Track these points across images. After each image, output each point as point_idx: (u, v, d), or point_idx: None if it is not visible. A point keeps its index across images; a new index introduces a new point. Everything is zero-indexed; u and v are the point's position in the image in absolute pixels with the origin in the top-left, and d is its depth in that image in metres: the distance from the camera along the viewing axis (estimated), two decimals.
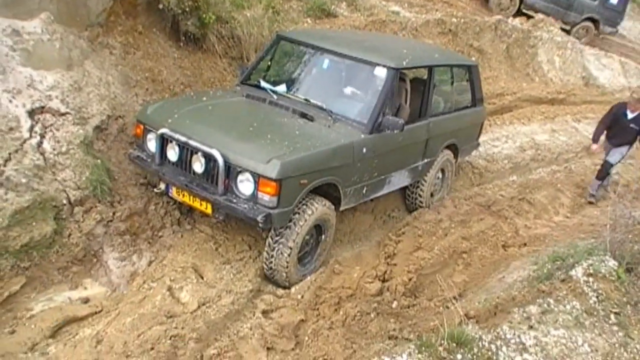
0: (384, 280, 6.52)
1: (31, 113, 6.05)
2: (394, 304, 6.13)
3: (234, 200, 5.73)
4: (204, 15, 8.32)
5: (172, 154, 6.07)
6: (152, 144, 6.25)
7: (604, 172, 9.73)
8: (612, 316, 5.02)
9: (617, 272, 5.46)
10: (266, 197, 5.60)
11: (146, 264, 6.24)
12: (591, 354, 4.52)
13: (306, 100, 6.86)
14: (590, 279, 5.32)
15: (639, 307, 5.28)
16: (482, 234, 7.59)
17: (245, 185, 5.70)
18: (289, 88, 7.21)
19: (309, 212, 6.05)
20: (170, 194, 6.28)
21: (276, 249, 6.02)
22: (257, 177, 5.58)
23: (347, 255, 6.94)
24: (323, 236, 6.56)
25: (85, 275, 5.96)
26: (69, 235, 5.87)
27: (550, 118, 12.87)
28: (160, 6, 7.82)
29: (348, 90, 7.30)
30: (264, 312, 5.80)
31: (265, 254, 6.13)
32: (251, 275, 6.16)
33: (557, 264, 5.80)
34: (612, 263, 5.54)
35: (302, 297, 6.07)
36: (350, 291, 6.24)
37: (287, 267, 6.05)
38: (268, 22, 9.53)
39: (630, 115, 9.29)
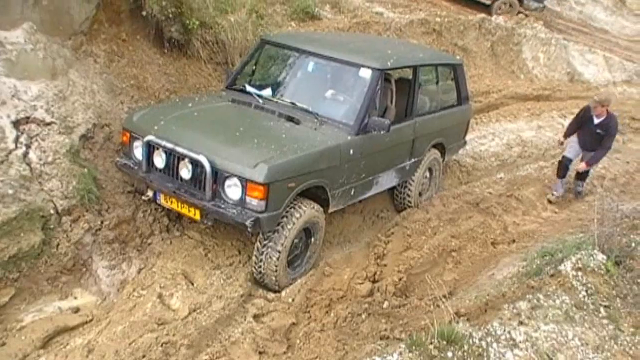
0: (374, 281, 6.53)
1: (16, 123, 6.03)
2: (385, 304, 6.14)
3: (222, 206, 5.73)
4: (188, 21, 8.30)
5: (159, 160, 6.05)
6: (138, 151, 6.23)
7: (583, 175, 9.43)
8: (601, 309, 5.04)
9: (606, 266, 5.48)
10: (254, 202, 5.60)
11: (136, 271, 6.23)
12: (582, 348, 4.54)
13: (292, 103, 6.88)
14: (579, 273, 5.34)
15: (629, 300, 5.30)
16: (471, 231, 7.62)
17: (233, 190, 5.70)
18: (274, 92, 7.24)
19: (297, 215, 6.05)
20: (158, 201, 6.26)
21: (265, 252, 6.02)
22: (244, 182, 5.58)
23: (337, 257, 6.94)
24: (312, 239, 6.56)
25: (75, 284, 5.95)
26: (58, 245, 5.86)
27: (536, 114, 12.92)
28: (144, 13, 7.80)
29: (333, 92, 7.29)
30: (255, 317, 5.80)
31: (254, 257, 6.13)
32: (241, 280, 6.16)
33: (546, 259, 5.83)
34: (601, 257, 5.57)
35: (293, 300, 6.07)
36: (340, 293, 6.25)
37: (276, 270, 6.05)
38: (252, 26, 9.51)
39: (596, 121, 8.89)
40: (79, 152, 6.48)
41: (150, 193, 6.28)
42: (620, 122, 12.88)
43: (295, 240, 6.30)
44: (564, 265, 5.41)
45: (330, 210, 6.68)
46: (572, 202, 9.26)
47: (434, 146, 8.41)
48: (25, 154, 5.99)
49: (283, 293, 6.18)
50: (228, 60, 9.12)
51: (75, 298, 5.88)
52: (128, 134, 6.38)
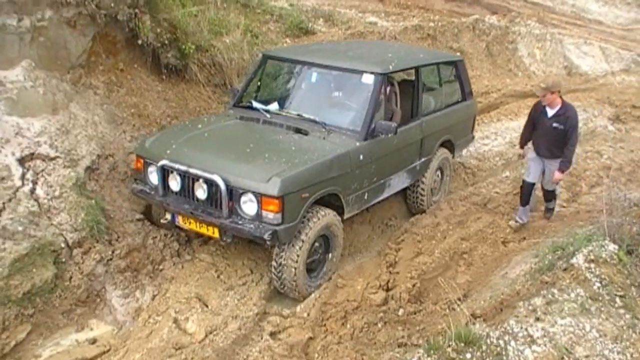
0: (387, 289, 6.53)
1: (21, 161, 6.08)
2: (400, 312, 6.14)
3: (240, 222, 5.85)
4: (184, 46, 8.37)
5: (174, 183, 6.18)
6: (153, 177, 6.36)
7: (551, 195, 8.07)
8: (617, 299, 5.01)
9: (618, 255, 5.45)
10: (270, 215, 5.72)
11: (150, 298, 6.24)
12: (600, 339, 4.52)
13: (299, 115, 7.00)
14: (592, 265, 5.31)
15: None
16: (481, 232, 7.62)
17: (248, 205, 5.82)
18: (280, 105, 7.37)
19: (312, 223, 6.14)
20: (177, 223, 6.37)
21: (283, 261, 6.09)
22: (259, 197, 5.71)
23: (349, 268, 6.94)
24: (331, 246, 6.67)
25: (90, 316, 5.97)
26: (70, 277, 5.88)
27: None
28: (140, 41, 7.86)
29: (338, 100, 7.49)
30: (272, 334, 5.81)
31: (273, 267, 6.22)
32: (255, 299, 6.17)
33: (557, 254, 5.80)
34: (612, 247, 5.54)
35: (308, 314, 6.07)
36: (355, 304, 6.24)
37: (295, 279, 6.12)
38: (247, 46, 9.58)
39: (550, 112, 7.37)
40: (85, 184, 6.52)
41: (168, 216, 6.39)
42: (622, 112, 12.98)
43: (314, 248, 6.39)
44: (576, 259, 5.38)
45: (346, 216, 6.75)
46: (580, 195, 9.19)
47: (443, 144, 8.53)
48: (33, 190, 6.03)
49: (298, 308, 6.19)
50: (226, 82, 9.18)
51: (92, 329, 5.89)
52: (142, 161, 6.50)
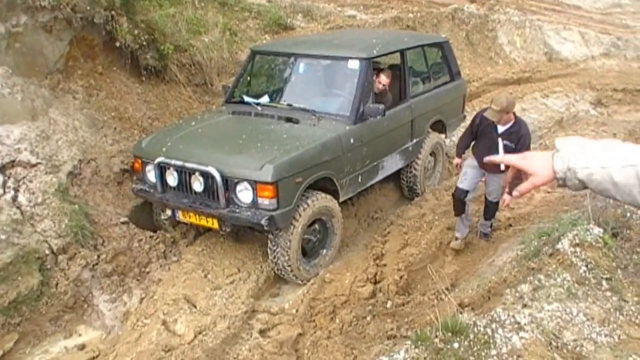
0: (375, 282, 6.53)
1: (2, 169, 6.06)
2: (389, 304, 6.14)
3: (237, 211, 6.04)
4: (162, 47, 8.34)
5: (172, 179, 6.37)
6: (151, 175, 6.55)
7: (491, 210, 7.20)
8: (603, 282, 5.03)
9: (603, 239, 5.47)
10: (266, 201, 5.92)
11: (137, 301, 6.21)
12: (587, 323, 4.52)
13: (289, 105, 7.26)
14: (578, 249, 5.32)
15: (630, 270, 5.29)
16: None
17: (244, 194, 6.00)
18: (271, 97, 7.59)
19: (302, 208, 6.30)
20: (177, 218, 6.58)
21: (276, 247, 6.30)
22: (254, 184, 5.90)
23: (337, 262, 6.93)
24: (328, 230, 6.86)
25: (78, 322, 5.95)
26: (57, 284, 5.86)
27: (518, 97, 12.90)
28: (117, 44, 7.84)
29: (327, 87, 7.74)
30: (261, 332, 5.80)
31: (269, 253, 6.41)
32: (243, 297, 6.15)
33: (543, 239, 5.82)
34: (597, 230, 5.55)
35: (297, 311, 6.07)
36: (343, 298, 6.24)
37: (288, 262, 6.30)
38: (227, 44, 9.57)
39: (501, 129, 6.61)
40: (68, 189, 6.50)
41: (168, 212, 6.61)
42: (603, 95, 13.03)
43: (311, 232, 6.65)
44: (562, 244, 5.39)
45: (341, 199, 6.92)
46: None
47: (435, 126, 8.80)
48: (15, 198, 6.00)
49: (286, 305, 6.19)
50: (207, 81, 9.17)
51: (80, 335, 5.87)
52: (139, 160, 6.70)
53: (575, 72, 15.16)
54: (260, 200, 5.92)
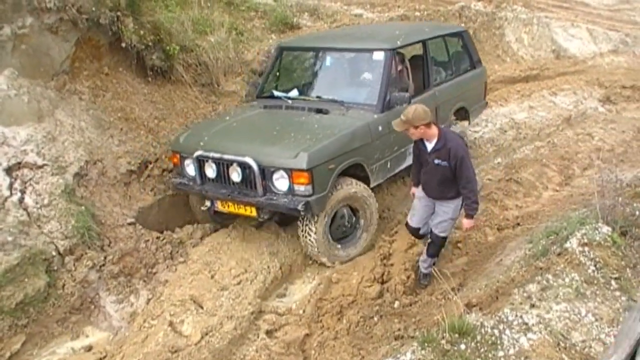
0: (382, 282, 6.49)
1: (8, 170, 6.06)
2: (396, 304, 6.12)
3: (274, 198, 6.37)
4: (168, 47, 8.32)
5: (210, 171, 6.69)
6: (190, 168, 6.88)
7: (435, 247, 6.36)
8: (612, 282, 4.99)
9: (612, 237, 5.42)
10: (302, 188, 6.23)
11: (144, 302, 6.22)
12: (596, 323, 4.50)
13: (318, 97, 7.61)
14: (586, 249, 5.28)
15: (639, 269, 5.25)
16: (474, 220, 7.57)
17: (281, 182, 6.33)
18: (300, 91, 7.98)
19: (330, 194, 6.53)
20: (216, 209, 6.88)
21: (305, 232, 6.60)
22: (290, 172, 6.23)
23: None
24: (359, 216, 7.11)
25: (85, 323, 5.97)
26: (63, 285, 5.87)
27: (526, 95, 12.88)
28: (123, 44, 7.81)
29: (353, 79, 8.08)
30: (268, 332, 5.81)
31: (300, 236, 6.72)
32: (250, 298, 6.15)
33: (551, 238, 5.77)
34: (606, 229, 5.51)
35: (304, 311, 6.07)
36: (350, 298, 6.23)
37: (316, 246, 6.61)
38: (233, 44, 9.54)
39: (429, 147, 5.92)
40: (74, 190, 6.51)
41: (208, 203, 6.91)
42: (612, 92, 12.95)
43: (340, 217, 6.87)
44: (570, 243, 5.36)
45: (372, 184, 7.19)
46: (573, 178, 9.16)
47: (458, 113, 9.08)
48: (21, 200, 6.01)
49: (293, 305, 6.21)
50: (213, 81, 9.14)
51: (87, 336, 5.89)
52: (178, 155, 7.02)
53: (583, 69, 15.07)
54: (296, 187, 6.23)
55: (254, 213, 6.56)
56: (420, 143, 5.99)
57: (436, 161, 5.83)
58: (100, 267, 6.17)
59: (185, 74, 8.79)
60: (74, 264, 6.03)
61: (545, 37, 16.07)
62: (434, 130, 5.80)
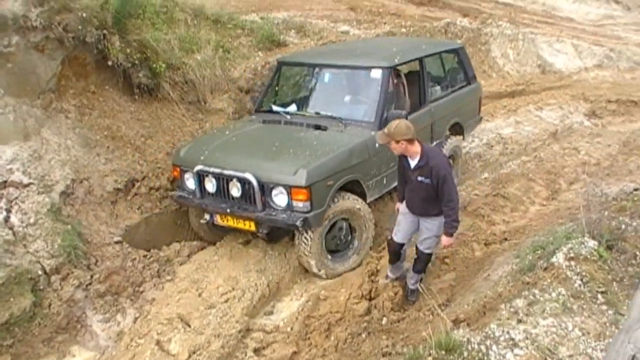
0: (370, 299, 6.47)
1: None
2: (384, 321, 6.09)
3: (273, 213, 6.49)
4: (154, 65, 8.33)
5: (210, 186, 6.79)
6: (190, 182, 7.00)
7: (421, 263, 6.41)
8: (599, 296, 5.00)
9: (598, 251, 5.44)
10: (300, 204, 6.35)
11: (131, 321, 6.18)
12: (583, 338, 4.49)
13: (317, 113, 7.69)
14: (572, 263, 5.30)
15: (625, 283, 5.26)
16: (462, 235, 7.56)
17: (280, 197, 6.45)
18: (299, 106, 8.07)
19: (330, 206, 6.67)
20: (215, 222, 6.93)
21: (299, 244, 6.70)
22: (289, 188, 6.35)
23: (331, 279, 6.92)
24: (354, 229, 7.20)
25: (71, 342, 5.92)
26: (49, 305, 5.83)
27: (512, 110, 12.96)
28: (110, 62, 7.81)
29: (351, 95, 8.16)
30: (256, 351, 5.79)
31: (295, 248, 6.85)
32: (238, 316, 6.12)
33: (538, 253, 5.78)
34: (592, 243, 5.52)
35: (292, 329, 6.05)
36: (338, 315, 6.21)
37: (311, 259, 6.72)
38: (219, 61, 9.53)
39: (412, 163, 5.90)
40: (61, 209, 6.48)
41: (207, 216, 6.97)
42: (597, 107, 13.03)
43: (336, 230, 7.00)
44: (556, 257, 5.37)
45: (368, 200, 7.30)
46: (559, 192, 9.18)
47: (453, 128, 9.21)
48: (7, 219, 5.98)
49: (281, 323, 6.18)
50: (200, 99, 9.14)
51: (74, 356, 5.85)
52: (178, 169, 7.13)
53: (568, 84, 15.17)
54: (294, 203, 6.35)
55: (253, 227, 6.65)
56: (404, 160, 5.96)
57: (419, 178, 5.81)
58: (87, 286, 6.14)
59: (172, 92, 8.78)
60: (60, 283, 5.99)
61: (530, 53, 16.19)
62: (416, 147, 5.78)
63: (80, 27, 7.26)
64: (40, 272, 5.90)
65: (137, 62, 8.11)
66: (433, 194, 5.80)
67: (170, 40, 8.98)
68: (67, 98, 7.50)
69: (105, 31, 7.63)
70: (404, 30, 14.19)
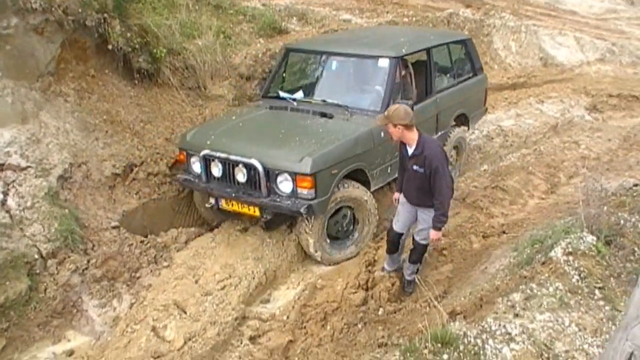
0: (367, 289, 6.48)
1: None
2: (380, 311, 6.10)
3: (278, 200, 6.53)
4: (155, 50, 8.28)
5: (216, 170, 6.85)
6: (196, 166, 7.04)
7: (417, 253, 6.38)
8: (596, 291, 4.99)
9: (597, 247, 5.43)
10: (305, 191, 6.38)
11: (127, 306, 6.16)
12: (579, 333, 4.49)
13: (323, 101, 7.70)
14: (570, 258, 5.29)
15: (622, 279, 5.25)
16: (460, 227, 7.57)
17: (285, 184, 6.50)
18: (305, 93, 8.14)
19: (334, 194, 6.73)
20: (220, 207, 6.99)
21: (301, 231, 6.80)
22: (294, 176, 6.39)
23: (328, 269, 6.93)
24: (357, 217, 7.25)
25: (67, 327, 5.90)
26: (45, 289, 5.82)
27: (513, 103, 12.92)
28: (110, 46, 7.76)
29: (358, 84, 8.22)
30: (251, 339, 5.78)
31: (296, 235, 6.98)
32: (234, 303, 6.12)
33: (536, 247, 5.78)
34: (590, 238, 5.51)
35: (288, 317, 6.05)
36: (335, 304, 6.20)
37: (309, 244, 6.79)
38: (220, 47, 9.48)
39: (410, 151, 5.89)
40: (58, 193, 6.45)
41: (212, 200, 7.02)
42: (598, 101, 12.99)
43: (339, 218, 7.10)
44: (555, 252, 5.36)
45: (372, 189, 7.33)
46: (558, 186, 9.16)
47: (458, 118, 9.27)
48: (4, 202, 5.96)
49: (277, 311, 6.17)
50: (200, 85, 9.09)
51: (69, 341, 5.82)
52: (184, 153, 7.18)
53: (570, 77, 15.11)
54: (299, 190, 6.38)
55: (257, 213, 6.70)
56: (403, 147, 5.96)
57: (414, 167, 5.82)
58: (83, 270, 6.12)
59: (172, 77, 8.74)
60: (57, 268, 5.97)
61: (533, 45, 16.11)
62: (414, 134, 5.74)
63: (80, 10, 7.21)
64: (36, 256, 5.87)
65: (137, 46, 8.07)
66: (427, 184, 5.77)
67: (171, 25, 8.95)
68: (66, 81, 7.45)
69: (105, 15, 7.57)
70: (406, 19, 14.13)
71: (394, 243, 6.45)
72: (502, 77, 14.30)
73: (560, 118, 12.27)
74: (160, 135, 7.97)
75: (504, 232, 7.50)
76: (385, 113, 5.78)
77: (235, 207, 6.82)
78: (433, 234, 5.98)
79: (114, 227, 6.71)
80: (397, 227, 6.37)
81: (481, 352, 4.14)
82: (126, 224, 6.93)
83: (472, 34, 14.99)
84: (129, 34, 7.91)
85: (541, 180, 9.19)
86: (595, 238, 5.53)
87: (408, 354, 4.11)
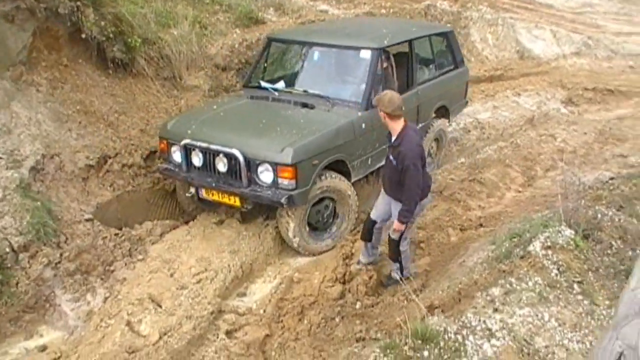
0: (344, 282, 6.44)
1: None
2: (358, 305, 6.05)
3: (258, 190, 6.53)
4: (130, 40, 8.18)
5: (197, 160, 6.82)
6: (177, 155, 6.99)
7: (390, 250, 6.26)
8: (575, 286, 4.99)
9: (575, 241, 5.44)
10: (286, 182, 6.39)
11: (101, 301, 6.06)
12: (559, 328, 4.47)
13: (305, 91, 7.70)
14: (549, 252, 5.28)
15: (601, 273, 5.26)
16: (437, 220, 7.55)
17: (265, 174, 6.48)
18: (287, 83, 8.07)
19: (315, 184, 6.72)
20: (201, 196, 7.01)
21: (281, 221, 6.80)
22: (275, 166, 6.38)
23: (305, 262, 6.88)
24: (337, 208, 7.28)
25: (39, 322, 5.79)
26: (17, 283, 5.70)
27: (490, 95, 12.95)
28: (83, 35, 7.66)
29: (339, 75, 8.19)
30: (228, 333, 5.72)
31: (277, 224, 6.95)
32: (210, 297, 6.04)
33: (514, 241, 5.76)
34: (569, 232, 5.52)
35: (264, 311, 5.99)
36: (312, 298, 6.16)
37: (289, 235, 6.79)
38: (196, 37, 9.39)
39: (392, 140, 5.83)
40: (30, 185, 6.34)
41: (192, 190, 7.04)
42: (574, 94, 13.05)
43: (320, 208, 7.08)
44: (533, 246, 5.35)
45: (352, 179, 7.37)
46: (535, 179, 9.17)
47: (439, 111, 9.29)
48: None
49: (254, 305, 6.11)
50: (175, 75, 9.00)
51: (41, 336, 5.71)
52: (165, 142, 7.13)
53: (546, 70, 15.18)
54: (280, 180, 6.39)
55: (237, 203, 6.71)
56: (388, 135, 5.89)
57: (390, 157, 5.82)
58: (56, 264, 6.00)
59: (147, 68, 8.64)
60: (29, 261, 5.85)
61: (509, 38, 16.15)
62: (397, 125, 5.71)
63: None
64: (7, 250, 5.75)
65: (111, 35, 7.96)
66: (398, 177, 5.71)
67: (146, 14, 8.85)
68: (39, 71, 7.33)
69: (78, 3, 7.46)
70: (383, 11, 14.08)
71: (369, 230, 6.42)
72: (479, 70, 14.31)
73: (537, 111, 12.33)
74: (134, 126, 7.86)
75: (481, 225, 7.49)
76: (376, 96, 5.95)
77: (216, 196, 6.82)
78: (395, 224, 5.92)
79: (87, 220, 6.61)
80: (373, 214, 6.41)
81: (462, 348, 4.11)
82: (100, 216, 6.84)
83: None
84: (103, 23, 7.79)
85: (518, 173, 9.21)
86: (573, 232, 5.54)
87: (388, 351, 4.07)
